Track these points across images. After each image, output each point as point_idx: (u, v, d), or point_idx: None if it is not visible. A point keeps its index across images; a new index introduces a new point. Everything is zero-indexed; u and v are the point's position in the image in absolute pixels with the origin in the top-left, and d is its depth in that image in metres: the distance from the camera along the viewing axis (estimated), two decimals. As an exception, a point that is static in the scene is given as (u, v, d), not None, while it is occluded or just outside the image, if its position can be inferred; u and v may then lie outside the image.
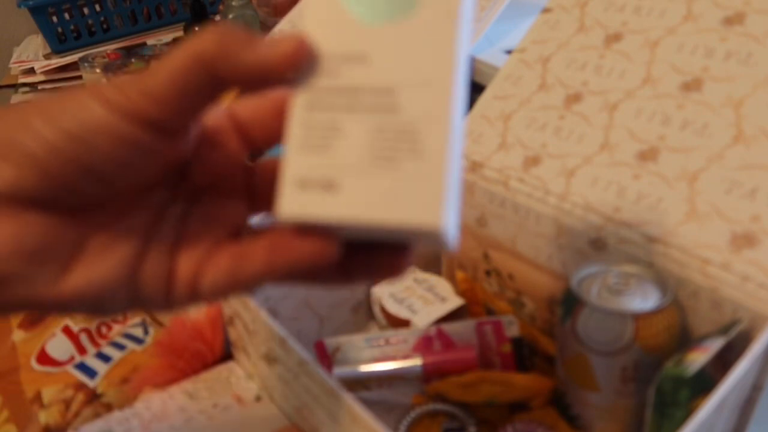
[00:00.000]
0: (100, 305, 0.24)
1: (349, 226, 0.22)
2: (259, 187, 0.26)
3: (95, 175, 0.22)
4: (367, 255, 0.24)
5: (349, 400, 0.38)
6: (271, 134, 0.26)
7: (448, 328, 0.48)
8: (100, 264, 0.23)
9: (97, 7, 1.28)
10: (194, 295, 0.25)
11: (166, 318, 0.61)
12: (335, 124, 0.22)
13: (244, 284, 0.24)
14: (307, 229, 0.22)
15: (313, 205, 0.21)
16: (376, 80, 0.22)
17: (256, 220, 0.27)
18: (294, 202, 0.22)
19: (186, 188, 0.26)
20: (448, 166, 0.21)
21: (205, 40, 0.21)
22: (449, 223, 0.21)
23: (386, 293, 0.54)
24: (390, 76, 0.22)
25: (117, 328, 0.61)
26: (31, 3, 1.20)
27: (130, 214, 0.25)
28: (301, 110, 0.22)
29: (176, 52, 0.21)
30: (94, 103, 0.21)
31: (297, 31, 0.22)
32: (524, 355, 0.47)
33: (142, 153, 0.22)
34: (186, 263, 0.25)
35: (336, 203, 0.21)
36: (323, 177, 0.22)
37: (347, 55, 0.22)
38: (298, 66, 0.22)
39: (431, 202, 0.20)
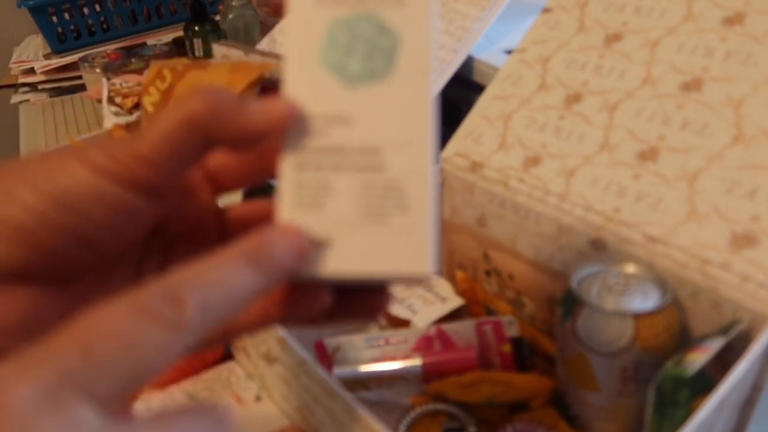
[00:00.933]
0: None
1: (344, 279, 0.23)
2: (231, 230, 0.27)
3: (85, 241, 0.22)
4: (349, 297, 0.25)
5: (349, 400, 0.38)
6: (238, 179, 0.27)
7: (448, 328, 0.48)
8: None
9: (97, 7, 1.28)
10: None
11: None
12: (325, 182, 0.23)
13: (236, 335, 0.25)
14: (302, 282, 0.23)
15: (311, 262, 0.23)
16: (361, 140, 0.23)
17: None
18: None
19: (161, 240, 0.26)
20: (430, 217, 0.23)
21: (197, 104, 0.21)
22: (433, 265, 0.23)
23: (386, 293, 0.54)
24: (374, 136, 0.23)
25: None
26: (31, 3, 1.20)
27: (111, 276, 0.24)
28: (292, 170, 0.23)
29: (167, 115, 0.21)
30: (82, 169, 0.21)
31: (283, 94, 0.24)
32: (524, 355, 0.47)
33: (132, 215, 0.22)
34: None
35: (332, 259, 0.23)
36: (317, 235, 0.23)
37: (332, 117, 0.24)
38: (287, 129, 0.23)
39: (419, 251, 0.23)
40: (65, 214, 0.20)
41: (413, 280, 0.23)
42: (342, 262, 0.23)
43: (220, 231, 0.27)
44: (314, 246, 0.23)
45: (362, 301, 0.25)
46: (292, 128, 0.23)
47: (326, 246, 0.23)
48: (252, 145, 0.23)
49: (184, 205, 0.26)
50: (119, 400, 0.18)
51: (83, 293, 0.23)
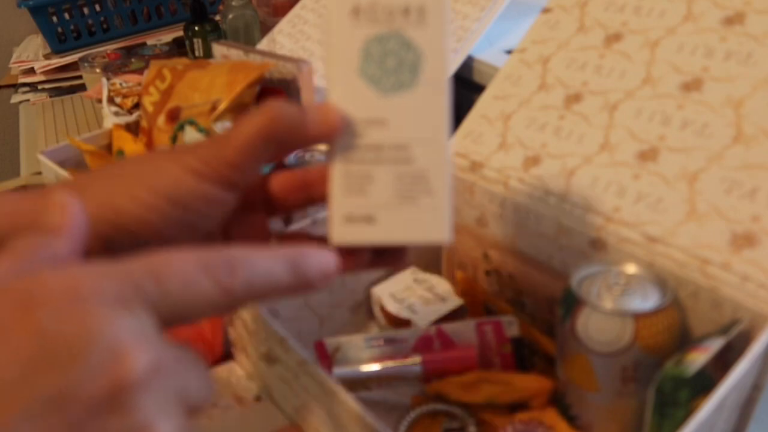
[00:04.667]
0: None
1: (386, 245, 0.30)
2: (272, 196, 0.33)
3: (189, 227, 0.28)
4: (383, 253, 0.32)
5: (349, 400, 0.38)
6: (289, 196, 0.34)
7: (448, 328, 0.48)
8: None
9: (97, 7, 1.28)
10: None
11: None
12: (367, 173, 0.30)
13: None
14: (355, 247, 0.30)
15: (359, 234, 0.30)
16: (394, 139, 0.30)
17: (276, 225, 0.34)
18: (344, 232, 0.30)
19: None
20: (448, 198, 0.30)
21: (268, 118, 0.28)
22: (451, 234, 0.30)
23: (386, 293, 0.54)
24: (404, 135, 0.30)
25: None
26: (31, 3, 1.20)
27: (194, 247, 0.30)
28: (341, 164, 0.30)
29: (246, 125, 0.28)
30: (184, 173, 0.27)
31: (330, 102, 0.29)
32: (524, 355, 0.47)
33: (220, 205, 0.29)
34: None
35: (375, 231, 0.30)
36: (363, 213, 0.30)
37: (371, 120, 0.29)
38: (340, 134, 0.29)
39: (441, 224, 0.30)
40: (174, 208, 0.27)
41: (435, 244, 0.30)
42: (384, 233, 0.30)
43: (265, 199, 0.33)
44: (362, 221, 0.30)
45: (393, 255, 0.33)
46: (342, 132, 0.29)
47: (370, 221, 0.30)
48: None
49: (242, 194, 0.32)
50: (162, 328, 0.22)
51: None
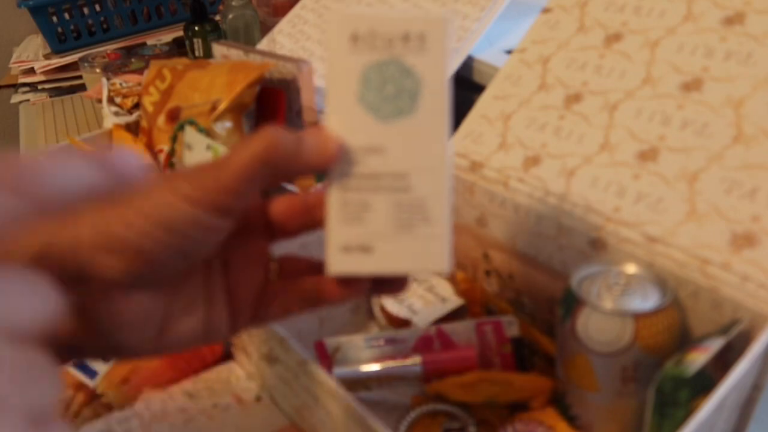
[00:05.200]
0: (188, 347, 0.31)
1: (383, 275, 0.30)
2: (272, 221, 0.32)
3: (184, 254, 0.28)
4: (382, 281, 0.32)
5: (349, 400, 0.38)
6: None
7: (448, 328, 0.48)
8: (185, 323, 0.30)
9: (97, 7, 1.28)
10: (254, 323, 0.32)
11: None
12: (365, 201, 0.29)
13: (294, 313, 0.32)
14: (350, 277, 0.30)
15: (356, 264, 0.29)
16: (392, 167, 0.29)
17: (276, 250, 0.34)
18: (341, 261, 0.29)
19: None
20: (448, 227, 0.29)
21: (264, 145, 0.27)
22: (450, 264, 0.29)
23: (386, 293, 0.54)
24: (402, 164, 0.29)
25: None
26: (31, 3, 1.20)
27: (192, 277, 0.31)
28: (337, 192, 0.29)
29: (241, 152, 0.27)
30: (179, 201, 0.27)
31: (327, 130, 0.29)
32: (524, 355, 0.47)
33: (217, 231, 0.28)
34: (242, 301, 0.32)
35: (372, 260, 0.29)
36: (360, 242, 0.29)
37: (369, 148, 0.29)
38: (337, 162, 0.29)
39: (440, 254, 0.29)
40: (168, 234, 0.27)
41: (434, 274, 0.29)
42: (382, 263, 0.29)
43: (265, 223, 0.32)
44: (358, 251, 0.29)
45: (393, 282, 0.32)
46: (340, 160, 0.29)
47: (368, 250, 0.29)
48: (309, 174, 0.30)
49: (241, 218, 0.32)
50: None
51: (177, 293, 0.30)
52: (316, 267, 0.32)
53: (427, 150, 0.29)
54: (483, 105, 0.56)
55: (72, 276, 0.25)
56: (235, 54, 0.79)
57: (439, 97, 0.29)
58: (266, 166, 0.27)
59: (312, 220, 0.32)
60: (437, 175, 0.29)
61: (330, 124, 0.29)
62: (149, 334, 0.29)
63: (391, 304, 0.53)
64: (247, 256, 0.33)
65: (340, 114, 0.29)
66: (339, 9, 0.32)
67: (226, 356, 0.56)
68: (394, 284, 0.32)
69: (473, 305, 0.53)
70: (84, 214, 0.26)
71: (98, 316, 0.27)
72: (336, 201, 0.29)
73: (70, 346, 0.27)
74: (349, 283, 0.31)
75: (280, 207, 0.32)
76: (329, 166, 0.29)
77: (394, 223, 0.29)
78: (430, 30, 0.29)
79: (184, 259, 0.28)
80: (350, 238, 0.29)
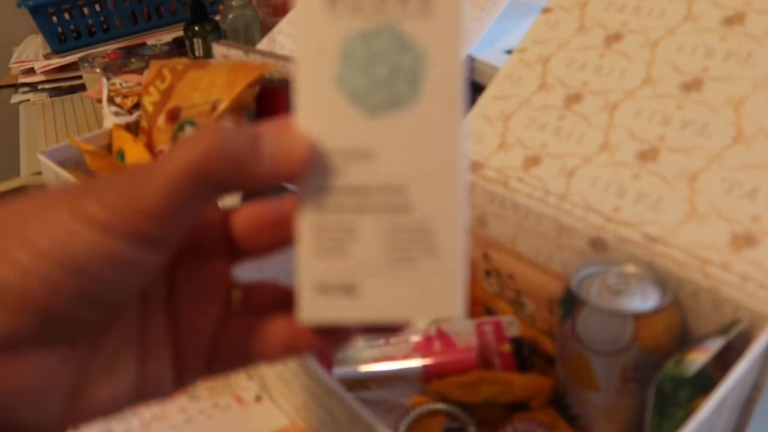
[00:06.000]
0: (113, 415, 0.23)
1: (373, 324, 0.22)
2: (235, 238, 0.25)
3: (98, 302, 0.20)
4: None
5: (349, 400, 0.38)
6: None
7: (448, 328, 0.48)
8: (106, 384, 0.22)
9: (97, 7, 1.28)
10: (206, 375, 0.25)
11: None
12: (347, 225, 0.22)
13: (258, 362, 0.25)
14: (330, 327, 0.23)
15: (337, 309, 0.22)
16: (384, 177, 0.21)
17: (239, 274, 0.26)
18: (316, 306, 0.22)
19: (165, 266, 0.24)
20: (461, 258, 0.21)
21: (202, 151, 0.19)
22: (463, 308, 0.22)
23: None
24: (398, 173, 0.21)
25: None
26: (31, 3, 1.20)
27: (118, 322, 0.23)
28: (311, 212, 0.22)
29: (168, 162, 0.19)
30: (79, 224, 0.19)
31: (297, 126, 0.21)
32: (524, 355, 0.47)
33: (142, 270, 0.21)
34: (192, 346, 0.24)
35: (359, 306, 0.22)
36: (342, 280, 0.22)
37: (352, 151, 0.21)
38: (309, 171, 0.21)
39: (449, 295, 0.22)
40: (69, 275, 0.19)
41: (440, 320, 0.22)
42: (370, 308, 0.22)
43: (225, 241, 0.25)
44: (339, 292, 0.22)
45: (388, 328, 0.25)
46: (312, 169, 0.21)
47: (352, 292, 0.22)
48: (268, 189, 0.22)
49: (191, 236, 0.24)
50: None
51: (94, 346, 0.22)
52: (291, 299, 0.23)
53: (432, 154, 0.21)
54: (483, 105, 0.56)
55: None
56: (235, 54, 0.79)
57: (449, 79, 0.21)
58: (205, 180, 0.19)
59: (286, 235, 0.23)
60: (446, 188, 0.21)
61: (299, 118, 0.21)
62: (53, 407, 0.21)
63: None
64: (199, 285, 0.24)
65: (312, 104, 0.21)
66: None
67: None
68: (389, 329, 0.24)
69: (473, 305, 0.53)
70: None
71: None
72: (309, 225, 0.22)
73: None
74: (329, 333, 0.23)
75: (245, 218, 0.24)
76: (298, 177, 0.21)
77: (388, 255, 0.22)
78: None
79: (98, 308, 0.21)
80: (329, 276, 0.22)
